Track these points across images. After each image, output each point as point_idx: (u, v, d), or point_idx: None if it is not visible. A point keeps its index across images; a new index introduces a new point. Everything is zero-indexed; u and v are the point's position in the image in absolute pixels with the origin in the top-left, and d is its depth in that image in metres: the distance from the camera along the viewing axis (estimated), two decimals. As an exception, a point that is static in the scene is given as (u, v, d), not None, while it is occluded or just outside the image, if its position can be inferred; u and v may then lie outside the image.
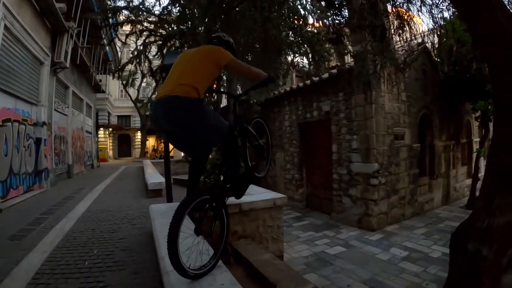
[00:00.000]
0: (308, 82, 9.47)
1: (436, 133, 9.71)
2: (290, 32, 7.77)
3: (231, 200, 2.55)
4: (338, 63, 9.04)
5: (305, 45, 7.99)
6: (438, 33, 6.83)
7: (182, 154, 10.64)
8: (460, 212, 9.18)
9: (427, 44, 9.15)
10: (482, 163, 10.35)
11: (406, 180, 8.36)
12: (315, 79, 8.96)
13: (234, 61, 2.33)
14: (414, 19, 5.44)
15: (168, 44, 10.77)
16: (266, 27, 6.24)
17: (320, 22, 8.38)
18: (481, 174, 12.16)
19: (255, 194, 4.23)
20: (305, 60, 9.00)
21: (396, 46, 5.92)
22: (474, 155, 12.61)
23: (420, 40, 7.22)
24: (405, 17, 5.24)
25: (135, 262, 3.04)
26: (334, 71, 8.43)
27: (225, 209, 2.25)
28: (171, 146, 6.58)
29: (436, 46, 9.60)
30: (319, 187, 9.64)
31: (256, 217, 3.98)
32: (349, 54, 8.85)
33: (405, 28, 5.32)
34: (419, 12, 4.89)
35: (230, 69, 2.39)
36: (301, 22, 7.77)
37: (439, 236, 7.04)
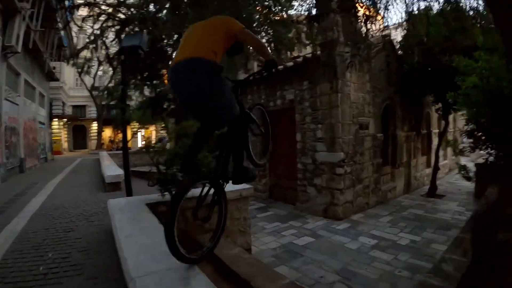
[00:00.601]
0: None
1: (398, 123, 9.90)
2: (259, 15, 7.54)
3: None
4: (300, 53, 8.97)
5: (270, 32, 7.79)
6: (406, 26, 6.89)
7: (140, 144, 10.11)
8: (421, 200, 9.46)
9: (393, 37, 9.28)
10: (442, 153, 10.73)
11: (370, 169, 8.45)
12: (280, 67, 8.79)
13: (245, 30, 2.17)
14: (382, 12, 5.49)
15: (127, 29, 10.19)
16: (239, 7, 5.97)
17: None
18: (441, 163, 12.69)
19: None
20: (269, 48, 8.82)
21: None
22: (434, 145, 13.14)
23: (386, 32, 7.25)
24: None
25: (94, 265, 2.81)
26: (300, 59, 8.31)
27: (223, 194, 2.27)
28: (129, 137, 6.19)
29: (402, 39, 9.77)
30: (283, 177, 9.53)
31: (223, 210, 3.83)
32: (313, 44, 8.82)
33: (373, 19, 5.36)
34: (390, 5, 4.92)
35: (241, 38, 2.20)
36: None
37: (404, 224, 7.15)
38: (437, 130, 13.49)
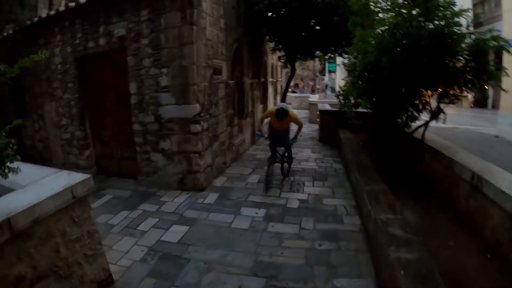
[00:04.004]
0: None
1: (245, 69, 8.86)
2: None
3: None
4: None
5: None
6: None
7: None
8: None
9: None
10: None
11: (224, 122, 7.12)
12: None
13: None
14: None
15: None
16: None
17: None
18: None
19: (28, 186, 2.31)
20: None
21: None
22: (269, 94, 13.13)
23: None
24: None
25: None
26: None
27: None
28: None
29: None
30: (114, 144, 7.06)
31: (48, 233, 2.22)
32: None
33: None
34: None
35: None
36: None
37: (277, 181, 6.37)
38: (271, 79, 13.53)
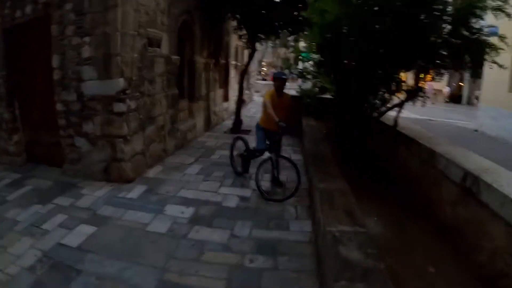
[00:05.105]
0: None
1: (197, 47, 7.98)
2: None
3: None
4: None
5: None
6: None
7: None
8: (226, 138, 8.22)
9: None
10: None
11: (164, 103, 6.24)
12: None
13: None
14: None
15: None
16: None
17: None
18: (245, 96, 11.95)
19: None
20: None
21: None
22: (231, 78, 12.30)
23: None
24: None
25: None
26: None
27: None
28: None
29: None
30: (42, 128, 6.09)
31: None
32: None
33: None
34: None
35: None
36: None
37: (220, 173, 5.59)
38: (234, 62, 12.67)
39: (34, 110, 6.09)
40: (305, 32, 4.85)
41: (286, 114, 4.75)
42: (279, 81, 4.73)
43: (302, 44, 5.10)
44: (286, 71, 5.74)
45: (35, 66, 5.76)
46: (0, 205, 4.40)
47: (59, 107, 5.37)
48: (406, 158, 4.55)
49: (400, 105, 5.03)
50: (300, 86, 5.96)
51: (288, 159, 4.87)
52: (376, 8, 4.12)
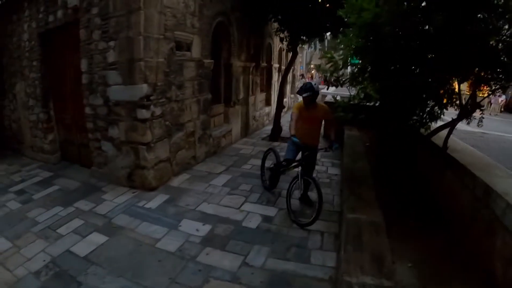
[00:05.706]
0: None
1: (234, 50, 7.65)
2: None
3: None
4: None
5: None
6: None
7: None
8: (263, 145, 7.73)
9: None
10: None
11: (194, 108, 5.97)
12: None
13: None
14: None
15: None
16: None
17: None
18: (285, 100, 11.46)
19: None
20: None
21: None
22: (274, 82, 11.86)
23: None
24: None
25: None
26: None
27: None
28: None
29: None
30: (74, 128, 6.23)
31: None
32: None
33: None
34: None
35: None
36: None
37: (248, 186, 5.14)
38: (277, 65, 12.22)
39: (67, 112, 6.28)
40: (340, 34, 4.09)
41: (318, 128, 4.33)
42: (307, 87, 4.13)
43: (340, 47, 4.35)
44: (316, 81, 5.13)
45: (67, 70, 5.89)
46: (25, 203, 4.53)
47: (87, 110, 5.39)
48: (456, 190, 3.69)
49: (452, 124, 4.22)
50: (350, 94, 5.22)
51: (312, 180, 4.03)
52: (423, 4, 3.43)
